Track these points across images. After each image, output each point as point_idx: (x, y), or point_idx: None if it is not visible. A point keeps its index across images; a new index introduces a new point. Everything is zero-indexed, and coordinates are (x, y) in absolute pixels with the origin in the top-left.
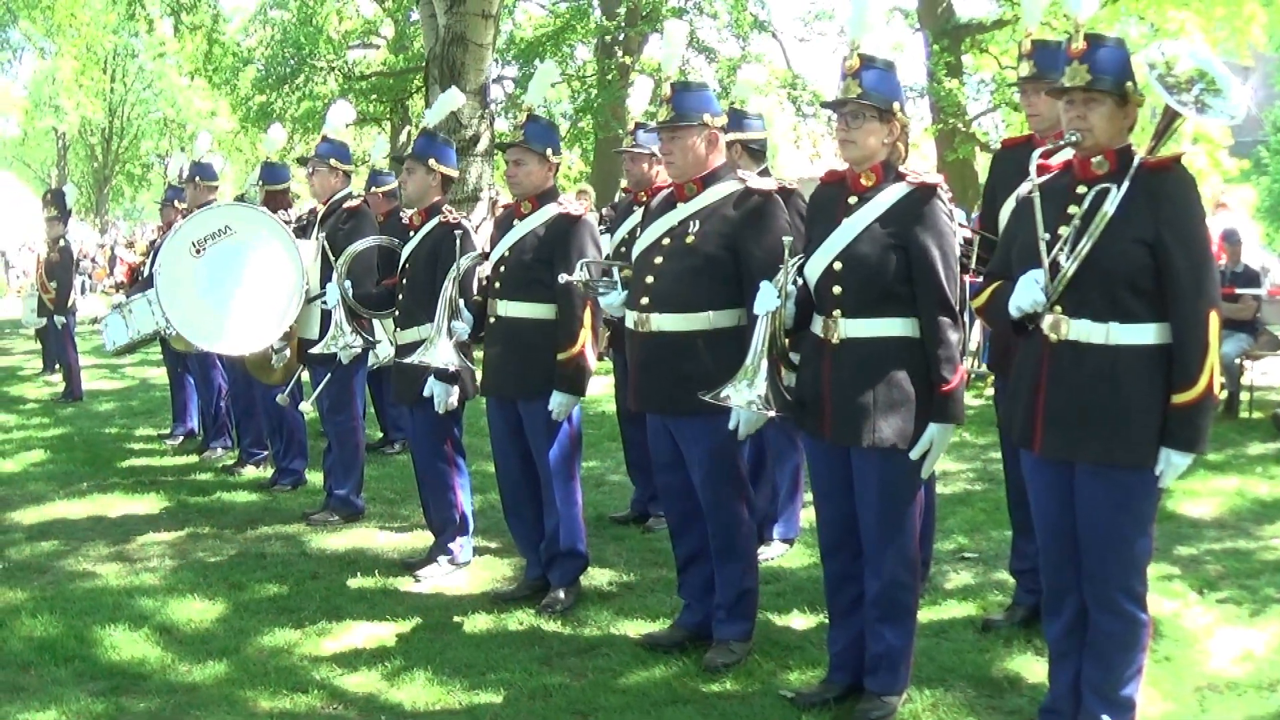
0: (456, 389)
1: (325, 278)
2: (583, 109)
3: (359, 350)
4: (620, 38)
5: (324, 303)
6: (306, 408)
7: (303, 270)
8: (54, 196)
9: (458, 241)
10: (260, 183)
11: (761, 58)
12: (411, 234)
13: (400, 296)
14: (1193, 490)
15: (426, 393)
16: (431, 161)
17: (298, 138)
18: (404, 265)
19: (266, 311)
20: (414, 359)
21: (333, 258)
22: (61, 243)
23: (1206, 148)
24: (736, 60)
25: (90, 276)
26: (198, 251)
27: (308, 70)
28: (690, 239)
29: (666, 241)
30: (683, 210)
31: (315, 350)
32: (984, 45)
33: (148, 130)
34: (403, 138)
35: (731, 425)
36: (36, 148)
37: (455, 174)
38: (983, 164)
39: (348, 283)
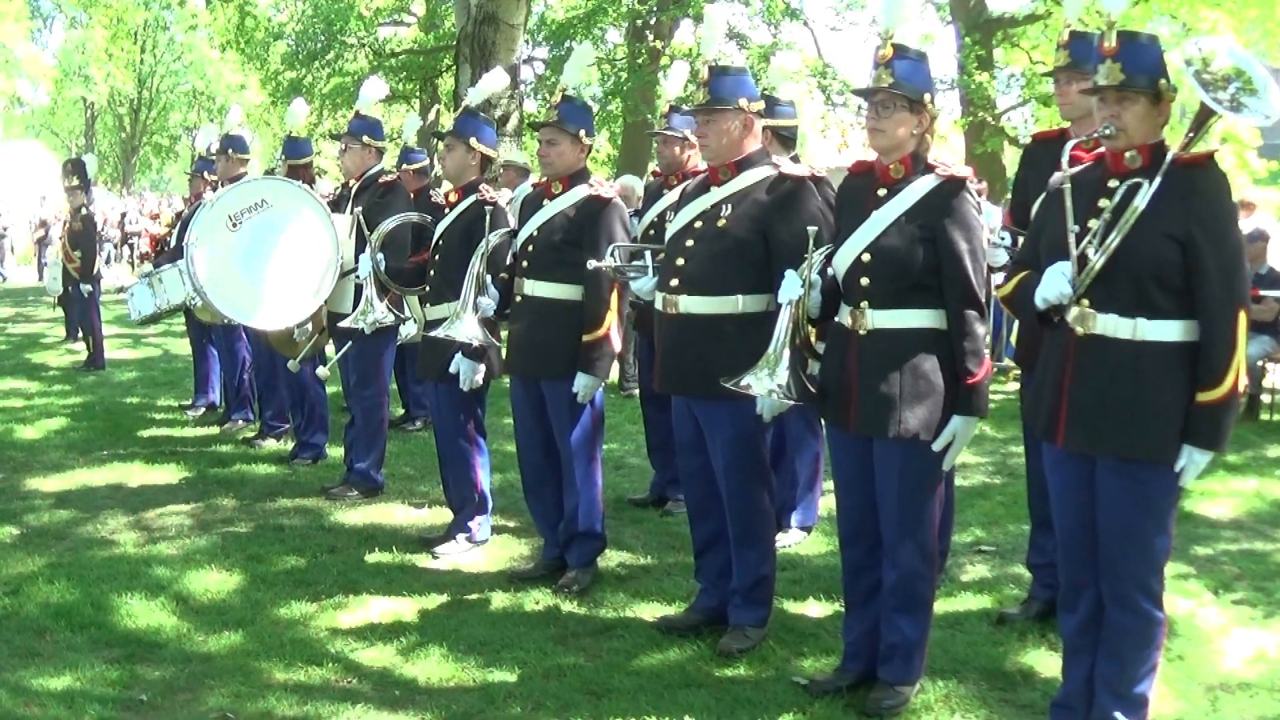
0: (482, 366)
1: (359, 252)
2: (612, 92)
3: (389, 324)
4: (652, 21)
5: (356, 276)
6: (324, 372)
7: (338, 245)
8: (74, 166)
9: (488, 218)
10: (283, 157)
11: (793, 45)
12: (447, 210)
13: (431, 272)
14: (1211, 491)
15: (453, 369)
16: (472, 140)
17: (326, 114)
18: (437, 241)
19: (302, 286)
20: (439, 333)
21: (367, 232)
22: (84, 212)
23: (1235, 148)
24: (768, 48)
25: (115, 245)
26: (234, 225)
27: (338, 47)
28: (722, 222)
29: (699, 224)
30: (716, 194)
31: (344, 324)
32: (1015, 39)
33: (176, 102)
34: (431, 116)
35: (759, 410)
36: (65, 117)
37: (494, 154)
38: (1010, 158)
39: (380, 256)
